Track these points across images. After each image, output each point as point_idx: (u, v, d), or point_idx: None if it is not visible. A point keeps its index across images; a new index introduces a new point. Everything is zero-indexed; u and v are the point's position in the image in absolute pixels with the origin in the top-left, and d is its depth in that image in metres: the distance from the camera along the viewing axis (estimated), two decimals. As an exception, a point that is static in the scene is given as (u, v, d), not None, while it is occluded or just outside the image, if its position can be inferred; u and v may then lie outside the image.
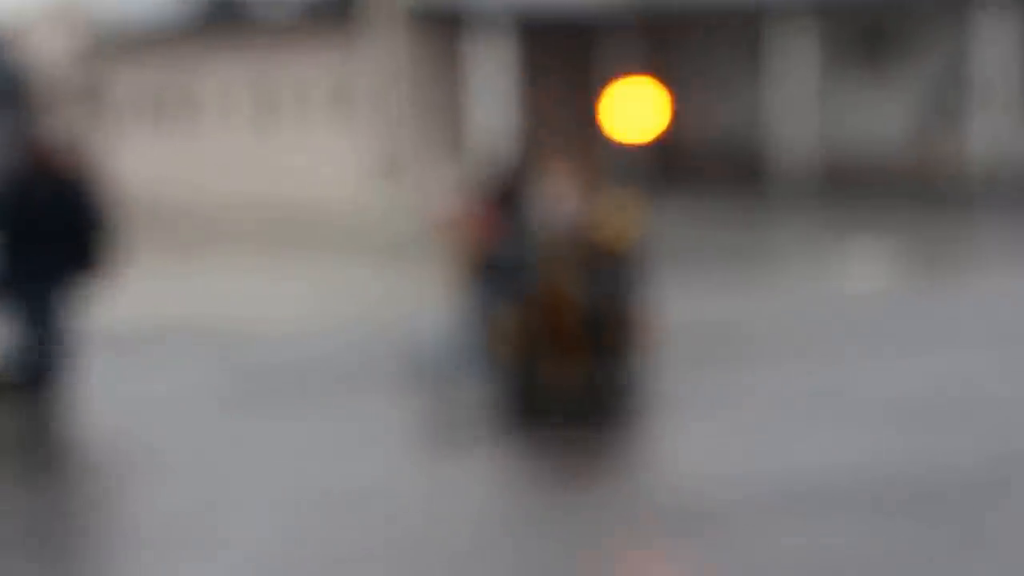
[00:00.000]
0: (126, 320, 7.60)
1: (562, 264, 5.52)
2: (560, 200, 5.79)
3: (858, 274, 10.89)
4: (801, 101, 19.06)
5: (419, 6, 20.63)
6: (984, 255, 12.41)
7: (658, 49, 20.52)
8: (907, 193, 17.70)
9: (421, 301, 8.12)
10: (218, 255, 14.20)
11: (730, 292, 9.54)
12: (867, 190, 17.77)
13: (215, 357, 7.17)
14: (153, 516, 4.10)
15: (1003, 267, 10.68)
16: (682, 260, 10.37)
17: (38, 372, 5.51)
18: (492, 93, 19.56)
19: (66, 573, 3.67)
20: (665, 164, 19.80)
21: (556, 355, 5.43)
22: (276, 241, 15.96)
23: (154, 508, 4.19)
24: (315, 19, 22.08)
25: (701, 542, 3.66)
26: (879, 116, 19.31)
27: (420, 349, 5.89)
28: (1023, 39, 18.18)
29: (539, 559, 3.53)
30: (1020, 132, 18.18)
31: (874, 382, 5.95)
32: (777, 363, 6.63)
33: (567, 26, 20.63)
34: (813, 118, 18.95)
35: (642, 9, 20.03)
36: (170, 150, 24.27)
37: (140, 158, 23.88)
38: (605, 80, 19.74)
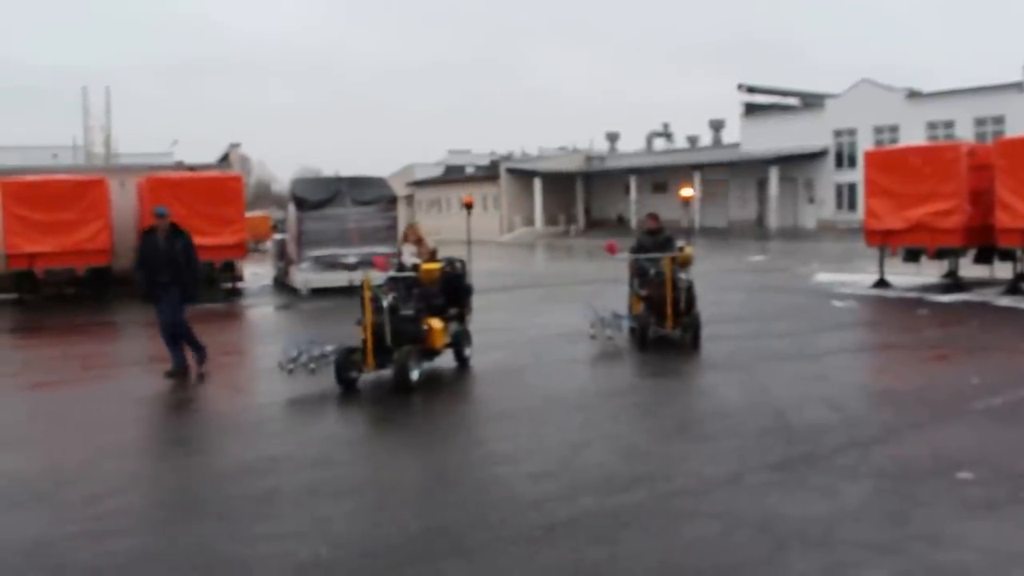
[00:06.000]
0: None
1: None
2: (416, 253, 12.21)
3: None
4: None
5: (512, 169, 58.91)
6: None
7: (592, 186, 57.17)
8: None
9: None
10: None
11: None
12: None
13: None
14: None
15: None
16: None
17: (184, 349, 9.74)
18: (536, 201, 56.95)
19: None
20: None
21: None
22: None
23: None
24: (484, 173, 63.54)
25: (723, 341, 11.23)
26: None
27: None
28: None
29: (659, 364, 10.13)
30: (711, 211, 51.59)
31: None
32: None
33: (560, 177, 57.86)
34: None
35: (585, 170, 56.94)
36: (434, 219, 64.58)
37: (428, 222, 64.50)
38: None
